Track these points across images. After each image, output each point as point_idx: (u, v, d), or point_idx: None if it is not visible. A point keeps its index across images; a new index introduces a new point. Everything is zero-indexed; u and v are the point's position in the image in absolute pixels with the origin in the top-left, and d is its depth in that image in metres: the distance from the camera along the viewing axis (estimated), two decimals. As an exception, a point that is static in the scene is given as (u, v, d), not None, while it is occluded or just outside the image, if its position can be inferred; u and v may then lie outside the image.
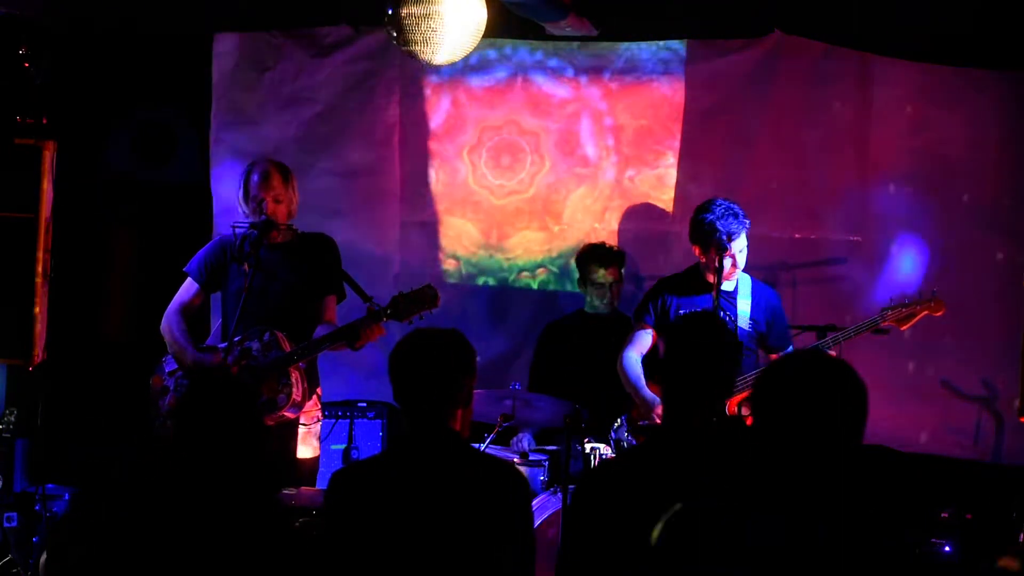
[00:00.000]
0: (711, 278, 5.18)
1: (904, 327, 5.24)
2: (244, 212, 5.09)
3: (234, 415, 3.20)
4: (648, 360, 5.34)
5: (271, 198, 5.00)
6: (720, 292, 5.15)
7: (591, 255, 6.00)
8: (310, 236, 5.18)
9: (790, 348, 5.36)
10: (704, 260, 5.22)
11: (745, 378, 4.99)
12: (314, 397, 5.09)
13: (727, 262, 5.13)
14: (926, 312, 5.19)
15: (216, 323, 5.57)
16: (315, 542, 3.16)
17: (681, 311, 5.22)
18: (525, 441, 5.70)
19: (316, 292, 5.09)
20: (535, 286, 6.57)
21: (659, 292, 5.38)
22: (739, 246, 5.14)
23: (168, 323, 5.11)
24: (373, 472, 3.18)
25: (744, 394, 4.98)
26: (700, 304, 5.21)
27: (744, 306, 5.25)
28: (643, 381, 5.24)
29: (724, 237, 5.07)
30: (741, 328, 5.19)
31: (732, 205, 5.15)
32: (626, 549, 2.81)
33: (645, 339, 5.36)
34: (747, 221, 5.15)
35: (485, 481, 3.12)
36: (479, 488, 3.10)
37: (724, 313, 5.20)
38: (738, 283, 5.29)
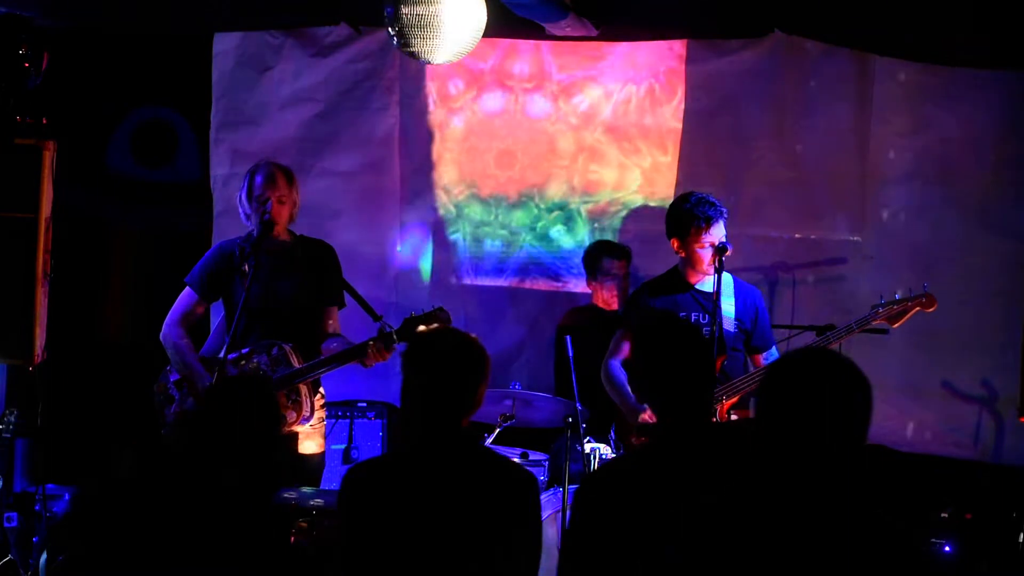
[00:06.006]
0: (690, 276, 5.10)
1: (896, 324, 5.08)
2: (246, 213, 5.07)
3: (257, 425, 3.23)
4: (626, 366, 5.24)
5: (276, 199, 4.99)
6: (701, 293, 5.05)
7: (602, 248, 6.07)
8: (310, 242, 5.17)
9: (773, 348, 5.23)
10: (683, 255, 5.08)
11: (734, 383, 4.94)
12: (318, 397, 5.08)
13: (706, 253, 4.98)
14: (918, 308, 5.03)
15: (215, 321, 5.57)
16: (328, 540, 3.17)
17: (682, 314, 5.04)
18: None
19: (319, 303, 5.09)
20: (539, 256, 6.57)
21: (639, 297, 5.25)
22: (718, 234, 4.99)
23: (171, 337, 5.05)
24: (387, 471, 3.20)
25: (735, 399, 4.93)
26: (680, 303, 5.09)
27: (728, 307, 5.11)
28: (628, 388, 5.13)
29: (702, 223, 4.95)
30: (726, 330, 5.04)
31: (707, 196, 5.04)
32: (629, 550, 2.81)
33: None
34: (724, 211, 5.02)
35: (496, 481, 3.15)
36: (490, 488, 3.13)
37: (707, 314, 5.05)
38: (720, 283, 5.10)
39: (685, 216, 5.02)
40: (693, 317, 5.06)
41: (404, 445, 3.28)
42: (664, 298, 5.13)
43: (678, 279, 5.16)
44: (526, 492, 3.18)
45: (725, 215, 5.03)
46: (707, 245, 5.00)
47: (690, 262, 5.08)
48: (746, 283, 5.31)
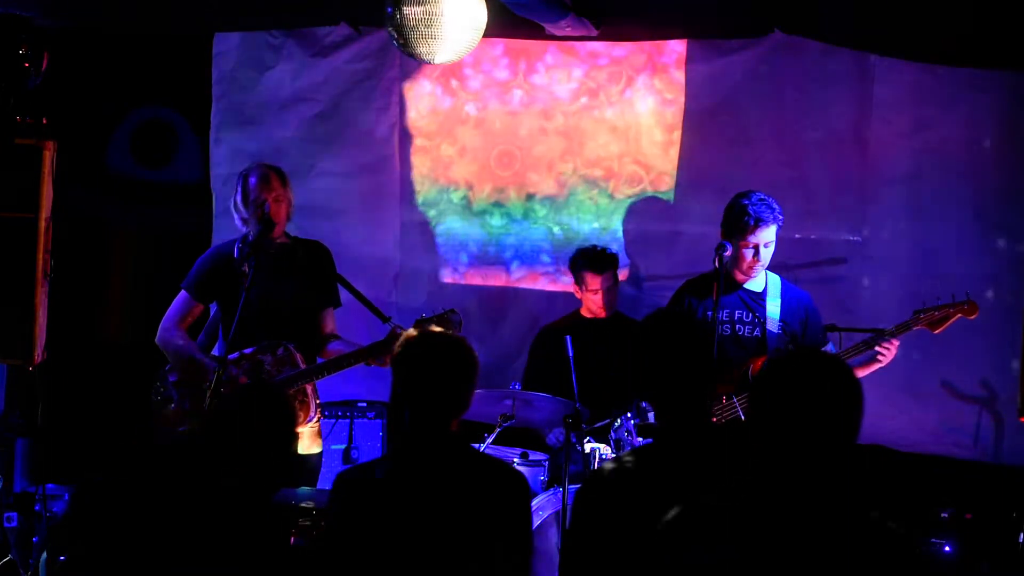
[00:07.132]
0: (737, 276, 5.07)
1: (937, 330, 5.07)
2: (242, 216, 5.07)
3: (280, 427, 3.27)
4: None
5: (272, 199, 5.00)
6: (747, 292, 5.04)
7: (585, 262, 5.85)
8: (307, 244, 5.17)
9: (830, 346, 5.20)
10: (729, 252, 5.01)
11: None
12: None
13: (748, 252, 5.00)
14: (960, 315, 5.04)
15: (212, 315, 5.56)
16: (317, 543, 3.18)
17: (708, 313, 5.04)
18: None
19: (319, 304, 5.09)
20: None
21: (682, 296, 5.23)
22: (766, 237, 4.99)
23: (170, 339, 5.05)
24: (376, 474, 3.20)
25: None
26: (725, 303, 5.04)
27: (773, 308, 5.09)
28: None
29: (751, 221, 4.95)
30: (769, 331, 5.05)
31: (769, 198, 5.03)
32: (631, 550, 2.81)
33: None
34: (780, 217, 5.02)
35: (485, 482, 3.16)
36: (480, 489, 3.14)
37: (752, 314, 5.07)
38: (767, 284, 5.13)
39: (738, 212, 5.00)
40: (736, 315, 5.04)
41: (393, 448, 3.30)
42: (708, 298, 5.09)
43: (724, 278, 5.06)
44: (516, 492, 3.18)
45: (780, 221, 5.02)
46: (752, 246, 4.99)
47: (735, 260, 5.05)
48: (795, 286, 5.30)
